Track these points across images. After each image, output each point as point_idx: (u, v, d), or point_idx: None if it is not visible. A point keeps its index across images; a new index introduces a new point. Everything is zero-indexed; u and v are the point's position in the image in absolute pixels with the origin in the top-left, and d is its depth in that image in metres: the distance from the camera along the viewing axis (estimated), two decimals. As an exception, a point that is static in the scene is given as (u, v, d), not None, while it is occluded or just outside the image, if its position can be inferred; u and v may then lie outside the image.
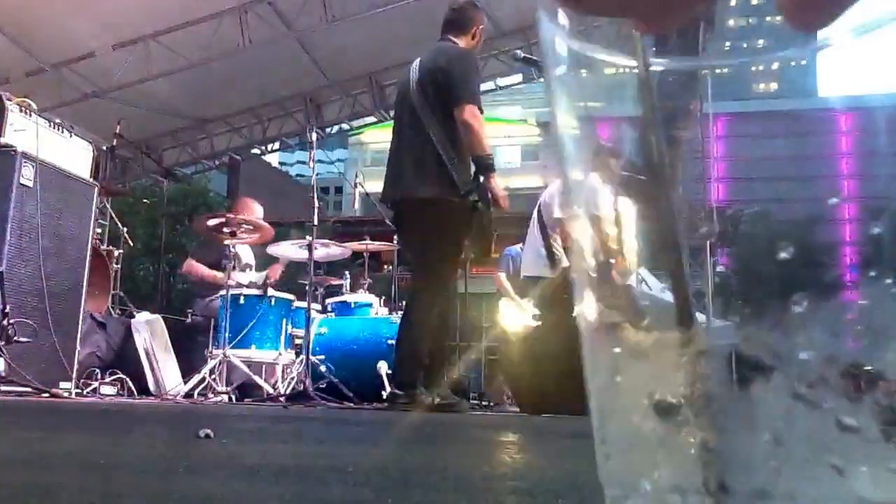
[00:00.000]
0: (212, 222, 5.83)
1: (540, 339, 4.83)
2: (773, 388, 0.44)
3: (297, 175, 36.31)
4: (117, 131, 7.89)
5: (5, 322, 3.96)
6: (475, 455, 1.94)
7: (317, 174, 5.73)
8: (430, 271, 4.50)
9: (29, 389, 4.16)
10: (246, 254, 6.57)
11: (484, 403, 6.68)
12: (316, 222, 5.53)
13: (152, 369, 5.81)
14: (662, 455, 0.47)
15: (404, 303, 5.00)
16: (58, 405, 3.88)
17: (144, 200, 14.65)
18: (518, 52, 5.98)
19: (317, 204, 5.57)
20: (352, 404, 5.20)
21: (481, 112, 4.41)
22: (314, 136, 5.54)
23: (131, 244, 7.67)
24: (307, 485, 1.09)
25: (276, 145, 13.26)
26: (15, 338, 4.01)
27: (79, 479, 1.06)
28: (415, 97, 4.53)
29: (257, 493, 0.96)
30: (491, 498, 1.02)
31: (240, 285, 5.94)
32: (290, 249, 6.09)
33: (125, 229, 7.34)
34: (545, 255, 5.54)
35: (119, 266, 6.91)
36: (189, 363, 5.89)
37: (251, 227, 5.92)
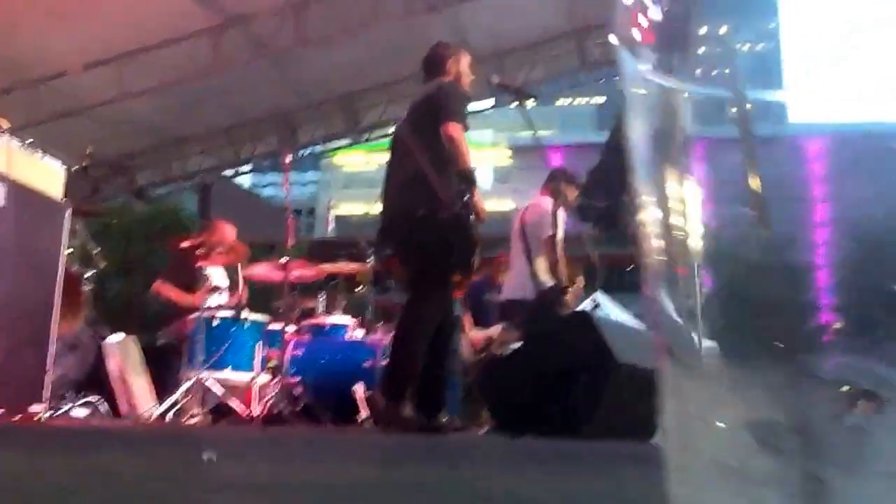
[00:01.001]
0: (186, 244, 5.80)
1: (521, 361, 4.84)
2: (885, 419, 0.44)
3: (269, 197, 36.19)
4: (88, 152, 7.81)
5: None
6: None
7: (291, 196, 5.74)
8: (422, 286, 4.56)
9: (1, 411, 4.10)
10: (218, 276, 6.52)
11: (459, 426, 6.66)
12: (292, 243, 5.52)
13: (125, 391, 5.74)
14: (757, 487, 0.45)
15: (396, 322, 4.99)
16: (46, 429, 3.84)
17: (113, 221, 14.50)
18: (493, 76, 6.02)
19: (292, 225, 5.56)
20: (328, 426, 5.17)
21: (466, 130, 4.55)
22: (289, 158, 5.53)
23: (101, 266, 7.58)
24: None
25: (249, 167, 13.23)
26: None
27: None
28: (403, 129, 4.77)
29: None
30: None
31: (211, 309, 5.89)
32: (264, 271, 6.07)
33: (98, 249, 7.25)
34: (530, 277, 5.57)
35: (91, 287, 6.82)
36: (162, 385, 5.83)
37: (225, 249, 5.90)
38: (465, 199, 4.46)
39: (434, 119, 4.50)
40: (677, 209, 0.54)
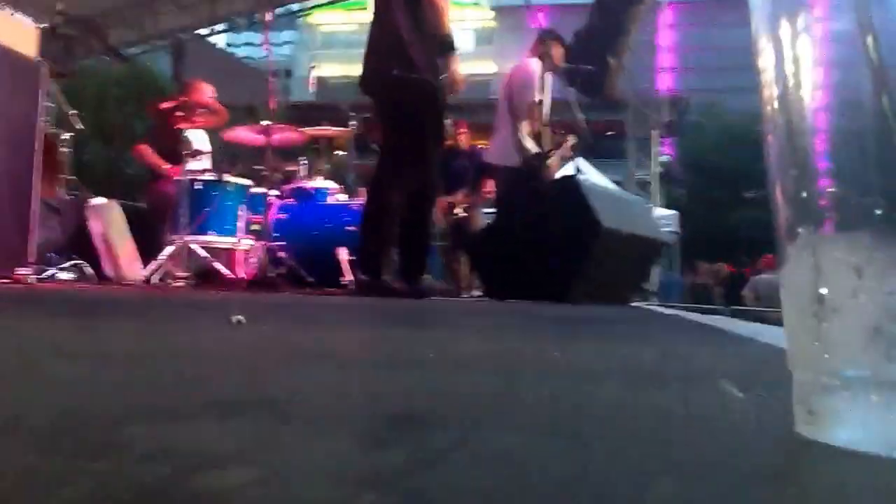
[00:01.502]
0: (165, 106, 5.69)
1: (504, 226, 4.89)
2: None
3: (245, 58, 35.22)
4: (59, 9, 7.55)
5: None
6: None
7: (263, 57, 5.60)
8: (393, 151, 4.51)
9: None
10: (200, 139, 6.44)
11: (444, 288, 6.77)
12: (273, 106, 5.44)
13: (109, 255, 5.77)
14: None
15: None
16: (43, 292, 3.85)
17: (86, 83, 14.13)
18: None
19: (274, 88, 5.46)
20: (315, 289, 5.24)
21: None
22: (270, 15, 5.37)
23: (78, 128, 7.44)
24: (416, 372, 1.10)
25: (223, 25, 12.84)
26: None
27: (197, 369, 1.05)
28: None
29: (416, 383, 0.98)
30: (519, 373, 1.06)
31: (193, 172, 5.84)
32: (245, 135, 5.99)
33: (74, 111, 7.11)
34: (515, 143, 5.51)
35: (69, 150, 6.73)
36: (146, 249, 5.84)
37: (206, 112, 5.80)
38: (440, 66, 4.39)
39: None
40: (791, 59, 0.57)
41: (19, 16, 4.76)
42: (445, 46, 4.45)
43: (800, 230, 0.57)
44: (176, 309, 2.83)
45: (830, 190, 0.55)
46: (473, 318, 3.02)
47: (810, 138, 0.56)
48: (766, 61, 0.59)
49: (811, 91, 0.56)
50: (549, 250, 4.10)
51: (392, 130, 4.54)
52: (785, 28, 0.57)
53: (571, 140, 5.98)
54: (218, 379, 0.95)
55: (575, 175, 4.95)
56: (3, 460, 0.49)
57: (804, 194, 0.56)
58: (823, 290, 0.55)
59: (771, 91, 0.59)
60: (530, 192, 5.03)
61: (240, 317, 1.71)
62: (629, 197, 7.24)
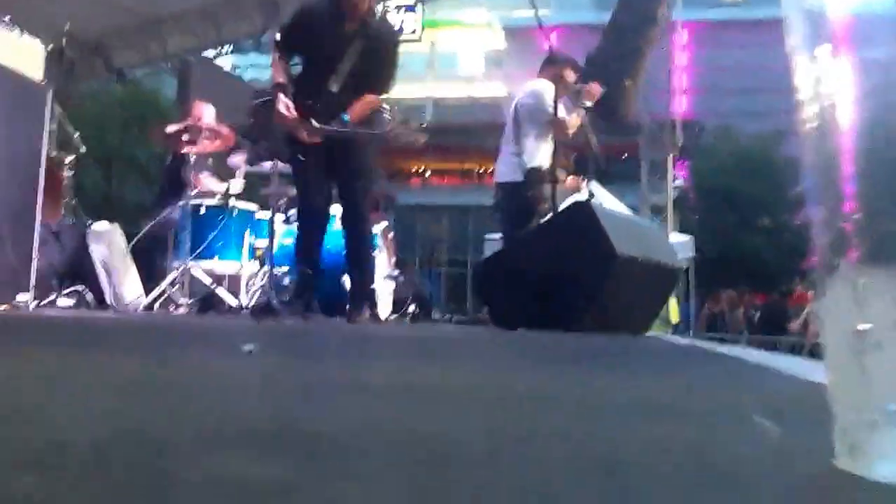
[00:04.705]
0: (171, 130, 5.61)
1: (512, 251, 4.79)
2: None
3: (252, 80, 35.24)
4: (67, 28, 7.49)
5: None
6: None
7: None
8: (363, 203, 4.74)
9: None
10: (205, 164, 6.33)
11: (448, 317, 6.68)
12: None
13: (110, 281, 5.66)
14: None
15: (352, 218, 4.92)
16: (48, 320, 3.77)
17: (87, 105, 14.10)
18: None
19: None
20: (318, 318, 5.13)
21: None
22: (278, 36, 5.27)
23: (82, 150, 7.36)
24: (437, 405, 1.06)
25: (229, 47, 12.83)
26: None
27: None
28: None
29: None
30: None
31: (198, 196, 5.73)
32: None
33: (77, 133, 7.04)
34: (516, 158, 5.42)
35: (71, 174, 6.64)
36: (147, 275, 5.74)
37: (211, 134, 5.71)
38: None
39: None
40: (828, 80, 0.57)
41: (27, 38, 4.69)
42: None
43: (839, 262, 0.56)
44: (181, 336, 2.77)
45: (869, 220, 0.53)
46: (471, 348, 2.92)
47: (848, 165, 0.55)
48: (802, 81, 0.59)
49: (849, 117, 0.56)
50: (559, 277, 3.98)
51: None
52: (822, 51, 0.57)
53: (584, 186, 5.90)
54: (246, 410, 0.93)
55: (588, 200, 4.83)
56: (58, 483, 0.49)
57: (842, 224, 0.55)
58: (865, 326, 0.55)
59: (808, 113, 0.59)
60: (538, 216, 4.93)
61: (251, 346, 1.68)
62: (644, 222, 7.11)
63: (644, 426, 0.95)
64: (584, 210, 4.31)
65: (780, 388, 1.65)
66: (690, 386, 1.66)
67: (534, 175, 5.33)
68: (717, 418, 1.05)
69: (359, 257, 4.74)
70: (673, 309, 11.88)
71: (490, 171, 7.28)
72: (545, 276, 4.02)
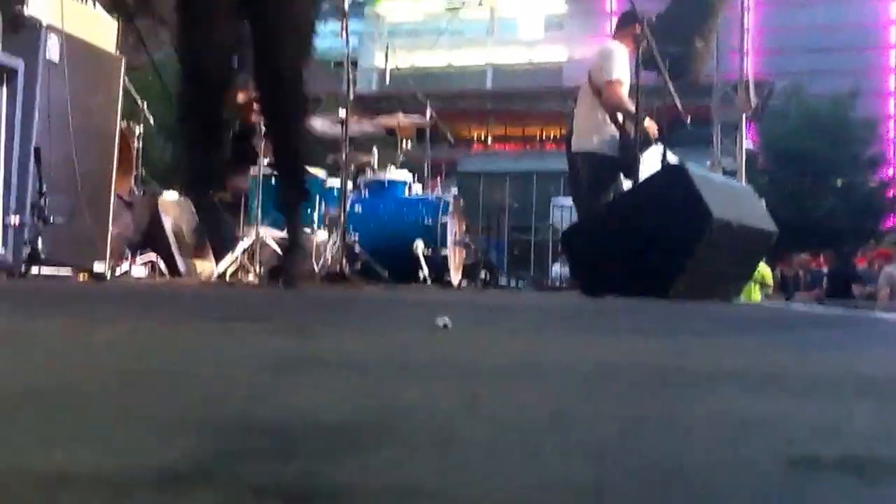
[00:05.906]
0: (241, 98, 5.58)
1: (600, 217, 4.67)
2: None
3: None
4: None
5: (43, 202, 3.79)
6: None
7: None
8: None
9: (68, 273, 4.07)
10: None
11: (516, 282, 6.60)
12: (351, 97, 5.30)
13: (183, 250, 5.70)
14: None
15: None
16: (150, 289, 3.81)
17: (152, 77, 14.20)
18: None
19: (350, 77, 5.31)
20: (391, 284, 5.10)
21: None
22: (347, 3, 5.21)
23: (152, 121, 7.40)
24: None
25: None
26: (52, 218, 3.86)
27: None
28: None
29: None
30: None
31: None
32: (321, 126, 5.85)
33: (145, 103, 7.06)
34: (595, 127, 5.23)
35: (140, 144, 6.68)
36: (218, 244, 5.75)
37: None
38: None
39: None
40: None
41: (100, 9, 4.69)
42: None
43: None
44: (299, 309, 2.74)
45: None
46: (566, 318, 2.83)
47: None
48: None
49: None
50: (651, 242, 3.85)
51: None
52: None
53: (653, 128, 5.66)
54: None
55: (682, 164, 4.61)
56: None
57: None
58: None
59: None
60: (630, 180, 4.78)
61: (445, 320, 1.62)
62: (737, 185, 6.87)
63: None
64: (678, 173, 4.17)
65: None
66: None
67: (627, 151, 5.05)
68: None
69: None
70: (766, 273, 11.60)
71: (553, 136, 7.10)
72: (635, 242, 3.90)
